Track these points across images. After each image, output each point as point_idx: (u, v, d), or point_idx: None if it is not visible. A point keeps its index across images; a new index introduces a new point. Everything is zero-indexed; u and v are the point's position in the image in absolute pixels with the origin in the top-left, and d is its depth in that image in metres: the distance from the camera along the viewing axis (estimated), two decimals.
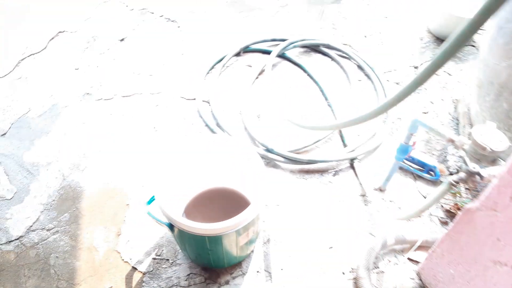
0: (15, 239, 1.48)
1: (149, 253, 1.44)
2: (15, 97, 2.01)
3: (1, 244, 1.47)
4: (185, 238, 1.22)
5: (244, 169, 1.35)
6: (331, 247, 1.44)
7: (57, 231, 1.50)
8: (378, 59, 2.18)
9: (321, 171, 1.67)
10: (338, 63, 2.13)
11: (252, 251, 1.44)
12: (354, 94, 1.96)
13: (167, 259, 1.42)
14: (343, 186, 1.62)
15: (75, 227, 1.51)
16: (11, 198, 1.60)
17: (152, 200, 1.25)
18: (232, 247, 1.24)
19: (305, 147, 1.72)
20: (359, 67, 2.13)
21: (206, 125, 1.84)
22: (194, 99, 1.97)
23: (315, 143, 1.73)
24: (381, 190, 1.61)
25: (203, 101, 1.95)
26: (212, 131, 1.80)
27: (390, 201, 1.58)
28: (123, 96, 2.00)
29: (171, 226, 1.17)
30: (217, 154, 1.37)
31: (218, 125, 1.82)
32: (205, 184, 1.49)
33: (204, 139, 1.34)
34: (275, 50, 2.07)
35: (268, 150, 1.69)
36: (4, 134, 1.83)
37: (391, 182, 1.59)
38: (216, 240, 1.16)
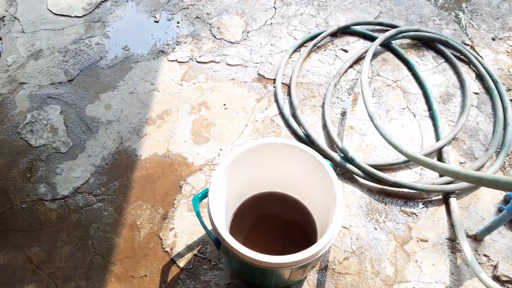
0: (60, 198, 1.41)
1: (192, 248, 1.29)
2: (90, 40, 1.91)
3: (46, 200, 1.40)
4: (230, 254, 1.04)
5: (312, 180, 1.13)
6: None
7: (103, 199, 1.40)
8: (505, 71, 1.77)
9: (406, 198, 1.39)
10: (453, 65, 1.76)
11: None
12: (466, 109, 1.60)
13: (210, 260, 1.27)
14: (428, 222, 1.34)
15: (122, 199, 1.40)
16: (65, 152, 1.52)
17: (204, 194, 1.07)
18: (282, 277, 1.04)
19: (393, 164, 1.43)
20: (479, 75, 1.74)
21: (281, 112, 1.61)
22: (274, 79, 1.74)
23: (405, 162, 1.44)
24: (476, 239, 1.30)
25: (282, 83, 1.71)
26: (286, 120, 1.57)
27: (485, 255, 1.27)
28: (199, 62, 1.82)
29: (217, 242, 1.00)
30: (282, 156, 1.15)
31: (294, 115, 1.58)
32: (263, 187, 1.29)
33: (269, 141, 1.12)
34: (381, 38, 1.73)
35: (346, 159, 1.43)
36: (72, 80, 1.75)
37: (492, 233, 1.28)
38: (265, 270, 0.97)
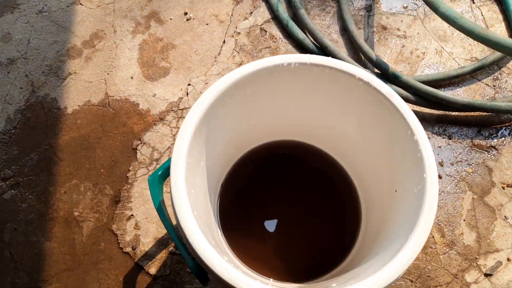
0: None
1: (165, 243, 0.83)
2: None
3: None
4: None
5: (360, 128, 0.64)
6: None
7: (18, 184, 0.89)
8: None
9: (480, 126, 0.92)
10: None
11: None
12: None
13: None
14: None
15: (46, 180, 0.90)
16: None
17: (164, 169, 0.59)
18: None
19: (454, 77, 0.94)
20: None
21: (275, 15, 1.06)
22: None
23: (474, 71, 0.94)
24: None
25: None
26: (284, 27, 1.03)
27: None
28: None
29: (198, 269, 0.52)
30: (299, 86, 0.64)
31: (296, 18, 1.04)
32: (273, 134, 0.79)
33: (273, 62, 0.60)
34: None
35: (385, 76, 0.93)
36: None
37: None
38: None
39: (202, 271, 0.51)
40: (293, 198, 0.77)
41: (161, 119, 0.94)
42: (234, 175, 0.76)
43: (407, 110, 0.52)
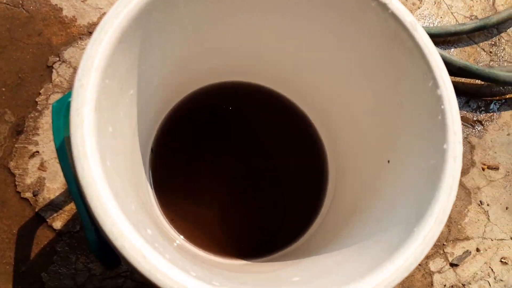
0: None
1: None
2: None
3: None
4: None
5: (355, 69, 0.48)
6: None
7: None
8: None
9: (469, 95, 0.80)
10: None
11: None
12: None
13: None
14: (501, 136, 0.79)
15: None
16: None
17: (61, 105, 0.40)
18: None
19: (453, 34, 0.79)
20: None
21: None
22: None
23: (476, 30, 0.80)
24: None
25: None
26: None
27: None
28: None
29: (104, 251, 0.35)
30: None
31: None
32: (228, 72, 0.61)
33: None
34: None
35: None
36: None
37: None
38: None
39: (109, 251, 0.34)
40: (246, 156, 0.61)
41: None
42: (176, 119, 0.58)
43: (433, 52, 0.36)
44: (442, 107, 0.35)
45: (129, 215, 0.30)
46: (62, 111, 0.43)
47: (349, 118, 0.54)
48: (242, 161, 0.61)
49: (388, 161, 0.43)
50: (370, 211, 0.43)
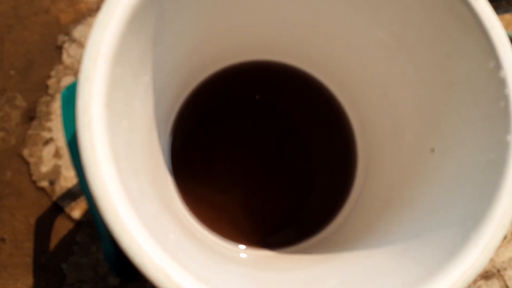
0: None
1: None
2: None
3: None
4: None
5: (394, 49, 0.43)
6: None
7: None
8: None
9: None
10: None
11: None
12: None
13: None
14: None
15: None
16: None
17: (70, 92, 0.37)
18: None
19: None
20: None
21: None
22: None
23: None
24: None
25: None
26: None
27: None
28: None
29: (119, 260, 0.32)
30: None
31: None
32: (251, 51, 0.56)
33: None
34: None
35: None
36: None
37: None
38: None
39: (127, 262, 0.31)
40: (270, 139, 0.57)
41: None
42: (195, 103, 0.54)
43: (496, 26, 0.31)
44: (506, 92, 0.30)
45: (148, 223, 0.27)
46: (72, 100, 0.39)
47: (383, 98, 0.49)
48: (266, 143, 0.57)
49: (433, 150, 0.39)
50: (410, 206, 0.39)
